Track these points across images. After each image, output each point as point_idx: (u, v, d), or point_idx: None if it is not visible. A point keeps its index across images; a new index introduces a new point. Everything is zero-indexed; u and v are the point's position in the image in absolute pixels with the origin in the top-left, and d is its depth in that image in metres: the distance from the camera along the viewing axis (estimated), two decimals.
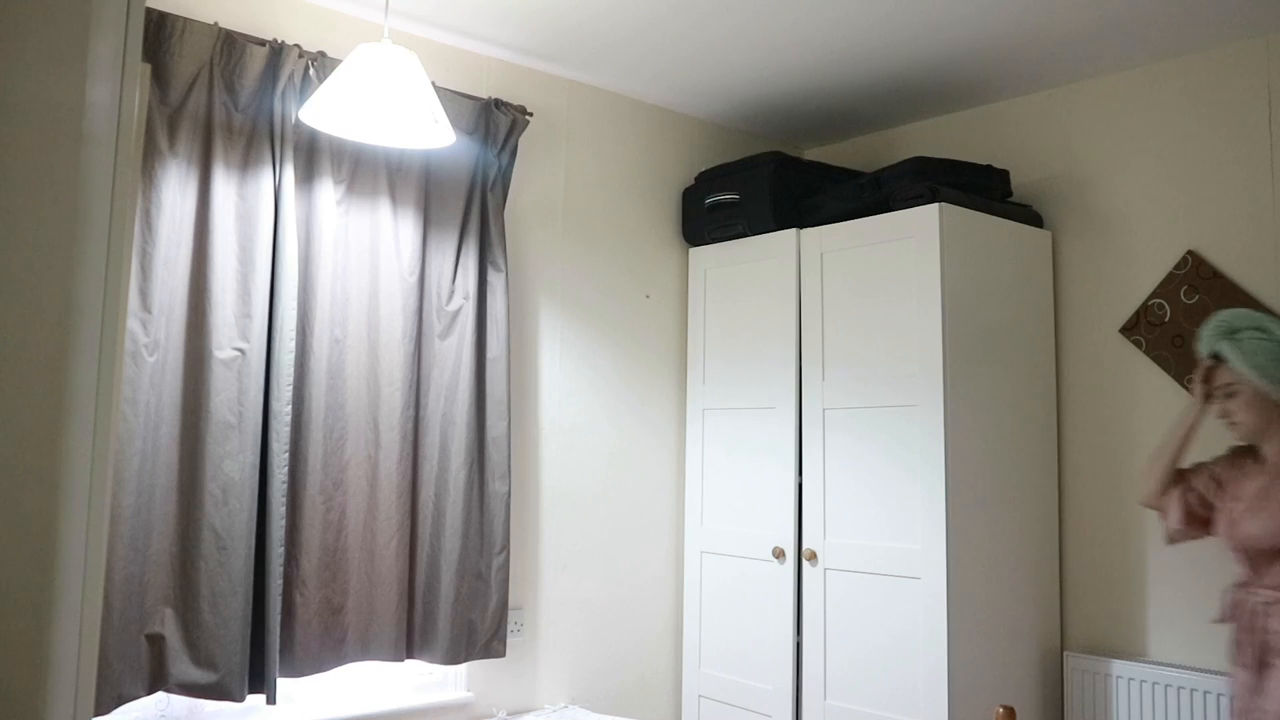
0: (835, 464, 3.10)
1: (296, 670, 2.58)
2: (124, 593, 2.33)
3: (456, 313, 2.92)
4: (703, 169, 3.68)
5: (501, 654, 2.91)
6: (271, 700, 2.51)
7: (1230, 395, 2.34)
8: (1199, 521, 2.44)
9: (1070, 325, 3.25)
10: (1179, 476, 2.47)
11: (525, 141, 3.19)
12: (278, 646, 2.52)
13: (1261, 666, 2.25)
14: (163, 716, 2.52)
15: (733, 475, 3.42)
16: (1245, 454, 2.42)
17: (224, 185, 2.54)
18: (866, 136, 3.91)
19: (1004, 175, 3.24)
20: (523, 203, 3.24)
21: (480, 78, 3.15)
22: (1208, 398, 2.41)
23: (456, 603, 2.83)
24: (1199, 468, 2.48)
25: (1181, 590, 2.93)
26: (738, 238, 3.48)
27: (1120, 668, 2.95)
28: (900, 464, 2.93)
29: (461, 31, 3.01)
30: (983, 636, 2.88)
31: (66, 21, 0.92)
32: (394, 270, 2.81)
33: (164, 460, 2.43)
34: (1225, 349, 2.33)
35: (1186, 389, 2.96)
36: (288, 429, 2.56)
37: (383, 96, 2.19)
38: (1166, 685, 2.85)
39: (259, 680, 2.51)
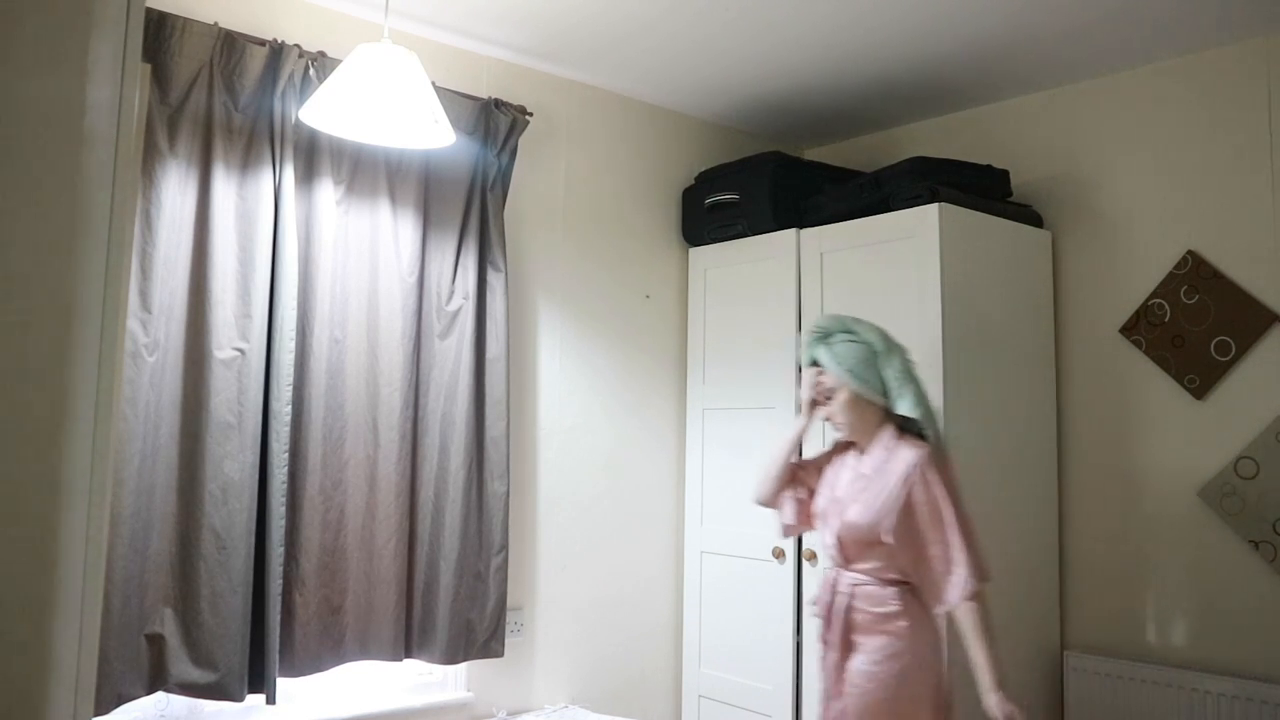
0: None
1: (295, 670, 2.58)
2: (124, 593, 2.33)
3: (456, 313, 2.92)
4: (703, 169, 3.68)
5: (500, 654, 2.91)
6: (271, 700, 2.51)
7: (830, 397, 2.45)
8: (810, 515, 2.57)
9: (1070, 325, 3.25)
10: (792, 475, 2.57)
11: (525, 141, 3.19)
12: (278, 646, 2.52)
13: (846, 646, 2.38)
14: (162, 716, 2.52)
15: (733, 475, 3.41)
16: (849, 447, 2.53)
17: (224, 185, 2.54)
18: (866, 136, 3.91)
19: (1004, 175, 3.24)
20: (523, 203, 3.23)
21: (480, 78, 3.15)
22: (814, 402, 2.50)
23: (455, 602, 2.82)
24: (807, 464, 2.60)
25: (1182, 590, 2.93)
26: (738, 238, 3.48)
27: (1120, 667, 2.95)
28: None
29: (461, 31, 3.01)
30: None
31: (66, 21, 0.92)
32: (393, 270, 2.81)
33: (164, 460, 2.43)
34: (820, 354, 2.45)
35: (1187, 389, 2.96)
36: (287, 429, 2.56)
37: (383, 96, 2.18)
38: (1166, 685, 2.85)
39: (258, 680, 2.51)
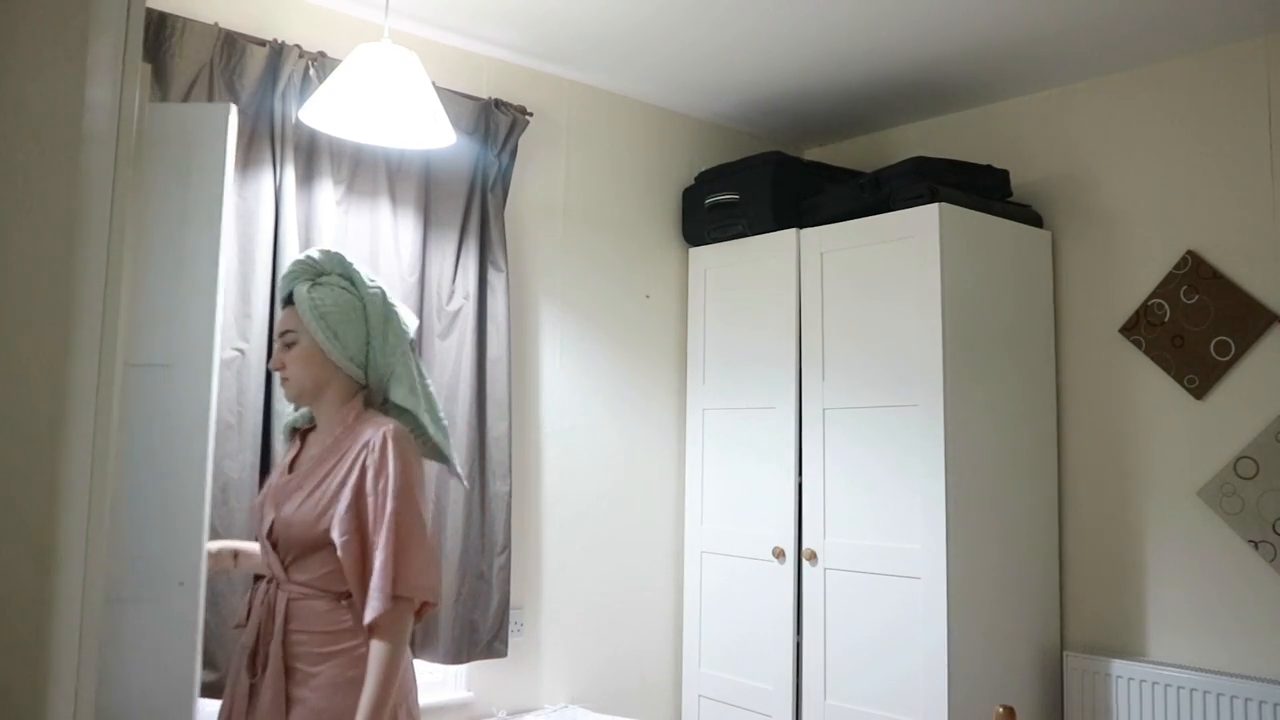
0: (835, 464, 3.10)
1: None
2: None
3: (457, 313, 2.92)
4: (703, 169, 3.68)
5: (503, 654, 2.91)
6: None
7: (290, 345, 1.94)
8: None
9: (1070, 325, 3.25)
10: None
11: (525, 141, 3.19)
12: None
13: (288, 674, 1.83)
14: None
15: (733, 475, 3.42)
16: (308, 434, 2.04)
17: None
18: (866, 136, 3.91)
19: (1004, 175, 3.24)
20: (523, 203, 3.24)
21: (480, 78, 3.15)
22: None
23: (458, 603, 2.82)
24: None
25: (1182, 590, 2.93)
26: (738, 238, 3.48)
27: (1120, 668, 2.95)
28: (900, 464, 2.93)
29: (461, 31, 3.01)
30: (983, 636, 2.88)
31: (66, 21, 0.92)
32: (394, 270, 2.81)
33: None
34: (299, 292, 1.93)
35: (1187, 389, 2.96)
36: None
37: (383, 96, 2.18)
38: (1166, 685, 2.86)
39: None
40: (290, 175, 2.61)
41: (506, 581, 2.92)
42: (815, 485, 3.14)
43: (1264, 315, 2.83)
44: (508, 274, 3.04)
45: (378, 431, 1.85)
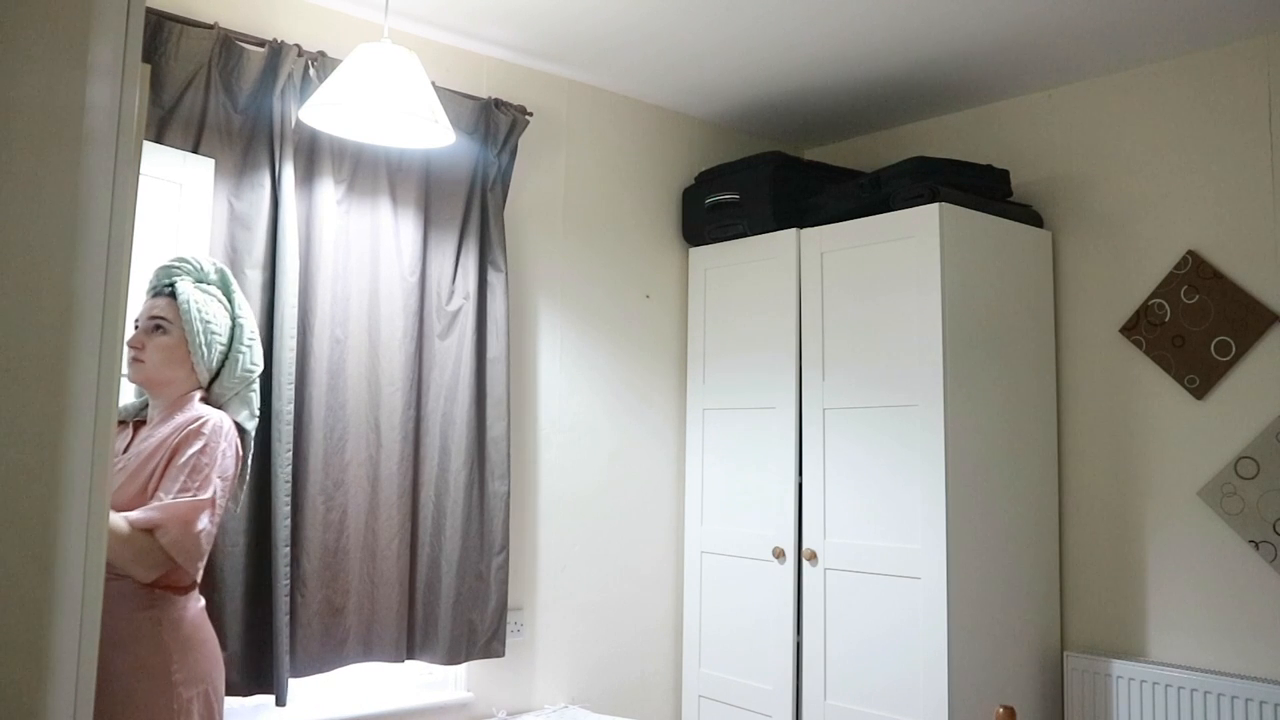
0: (835, 464, 3.10)
1: (297, 670, 2.58)
2: None
3: (456, 313, 2.91)
4: (703, 169, 3.68)
5: (501, 654, 2.91)
6: (281, 702, 2.50)
7: (157, 331, 2.01)
8: None
9: (1070, 325, 3.25)
10: None
11: (525, 141, 3.19)
12: (286, 647, 2.51)
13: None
14: None
15: (733, 475, 3.42)
16: (139, 427, 2.09)
17: (223, 185, 2.54)
18: (866, 136, 3.91)
19: (1004, 175, 3.24)
20: (523, 203, 3.23)
21: (480, 78, 3.15)
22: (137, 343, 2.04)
23: (457, 603, 2.82)
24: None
25: (1183, 590, 2.93)
26: (738, 238, 3.48)
27: (1120, 668, 2.95)
28: (900, 464, 2.93)
29: (461, 31, 3.01)
30: (983, 636, 2.88)
31: (66, 21, 0.92)
32: (394, 270, 2.81)
33: None
34: (185, 288, 2.03)
35: (1187, 389, 2.96)
36: (289, 428, 2.56)
37: (383, 96, 2.19)
38: (1167, 685, 2.85)
39: (258, 681, 2.51)
40: (290, 175, 2.61)
41: (504, 582, 2.91)
42: (815, 485, 3.14)
43: (1264, 315, 2.83)
44: (507, 274, 3.04)
45: (206, 418, 1.95)
